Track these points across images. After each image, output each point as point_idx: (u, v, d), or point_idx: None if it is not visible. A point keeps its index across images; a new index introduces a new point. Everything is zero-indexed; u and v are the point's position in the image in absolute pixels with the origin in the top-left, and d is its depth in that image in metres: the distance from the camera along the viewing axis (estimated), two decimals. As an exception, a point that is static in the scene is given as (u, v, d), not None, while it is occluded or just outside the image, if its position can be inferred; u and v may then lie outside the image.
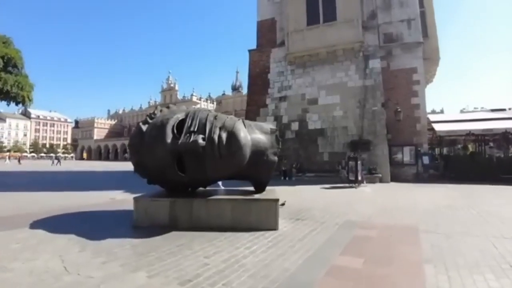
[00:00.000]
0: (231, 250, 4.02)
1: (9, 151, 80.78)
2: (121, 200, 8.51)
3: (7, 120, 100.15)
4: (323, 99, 17.70)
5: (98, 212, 6.80)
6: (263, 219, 5.27)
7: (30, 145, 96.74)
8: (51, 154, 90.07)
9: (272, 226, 5.21)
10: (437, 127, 17.07)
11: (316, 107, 17.84)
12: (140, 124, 5.59)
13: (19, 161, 44.10)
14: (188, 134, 4.97)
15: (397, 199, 9.48)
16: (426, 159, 15.83)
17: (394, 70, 16.87)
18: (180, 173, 5.02)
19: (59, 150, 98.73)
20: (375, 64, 16.53)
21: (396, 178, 15.23)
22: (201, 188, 6.26)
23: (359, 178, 12.84)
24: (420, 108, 16.24)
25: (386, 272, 3.30)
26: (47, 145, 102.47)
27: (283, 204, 7.84)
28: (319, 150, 17.29)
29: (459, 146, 21.94)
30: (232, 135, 4.95)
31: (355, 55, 17.08)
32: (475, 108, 77.11)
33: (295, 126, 18.27)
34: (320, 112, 17.62)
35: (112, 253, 3.84)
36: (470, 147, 21.43)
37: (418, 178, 15.54)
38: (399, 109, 15.25)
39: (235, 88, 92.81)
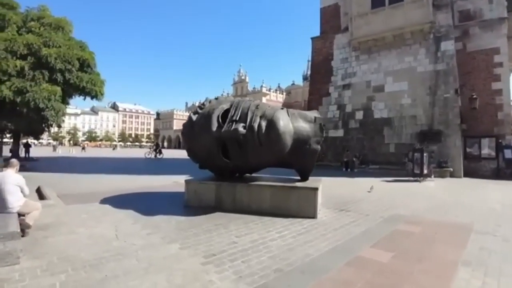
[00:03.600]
0: (263, 233, 4.26)
1: (101, 140, 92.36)
2: (183, 183, 9.33)
3: (99, 113, 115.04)
4: (389, 86, 16.54)
5: (159, 192, 7.69)
6: (302, 207, 5.37)
7: (118, 135, 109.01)
8: (136, 143, 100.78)
9: (311, 214, 5.28)
10: (525, 115, 14.63)
11: (382, 94, 16.76)
12: (191, 114, 6.14)
13: (83, 148, 46.93)
14: (230, 123, 5.31)
15: (462, 195, 8.59)
16: (509, 153, 13.71)
17: (472, 51, 14.95)
18: (225, 159, 5.41)
19: (143, 139, 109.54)
20: (448, 46, 14.77)
21: (471, 173, 13.68)
22: (247, 174, 6.63)
23: (425, 171, 11.89)
24: (503, 94, 14.17)
25: (412, 269, 3.15)
26: (133, 135, 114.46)
27: (371, 188, 8.66)
28: (385, 141, 16.27)
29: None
30: (272, 124, 5.14)
31: (424, 37, 15.49)
32: None
33: (359, 115, 17.44)
34: (387, 100, 16.51)
35: (158, 227, 4.42)
36: None
37: (498, 174, 13.66)
38: (474, 96, 13.52)
39: (306, 78, 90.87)
